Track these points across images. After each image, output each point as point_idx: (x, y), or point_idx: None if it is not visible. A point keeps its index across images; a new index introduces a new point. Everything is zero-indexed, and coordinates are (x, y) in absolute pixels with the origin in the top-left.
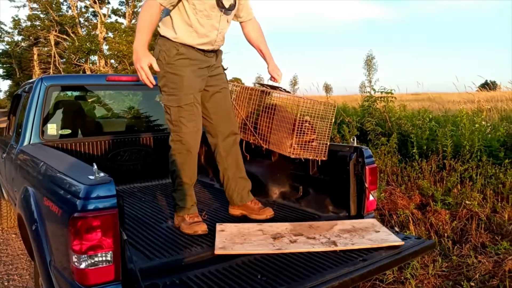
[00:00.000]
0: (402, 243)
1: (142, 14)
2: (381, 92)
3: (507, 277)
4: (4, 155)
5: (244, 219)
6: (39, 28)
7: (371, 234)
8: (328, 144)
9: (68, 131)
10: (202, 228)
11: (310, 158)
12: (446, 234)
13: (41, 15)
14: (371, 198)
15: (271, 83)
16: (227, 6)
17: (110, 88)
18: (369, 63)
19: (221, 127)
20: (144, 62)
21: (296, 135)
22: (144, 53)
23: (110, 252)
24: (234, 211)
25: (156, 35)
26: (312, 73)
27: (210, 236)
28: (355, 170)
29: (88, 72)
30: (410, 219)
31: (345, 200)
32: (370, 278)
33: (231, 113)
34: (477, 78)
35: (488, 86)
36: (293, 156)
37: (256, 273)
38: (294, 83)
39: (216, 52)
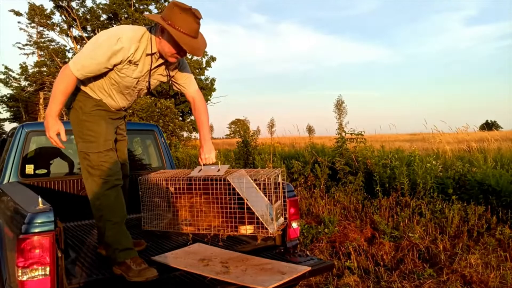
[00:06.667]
0: (309, 269)
1: (58, 83)
2: (351, 134)
3: None
4: None
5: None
6: (45, 74)
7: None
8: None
9: (44, 171)
10: (154, 273)
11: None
12: (383, 263)
13: (48, 62)
14: (294, 226)
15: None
16: (153, 90)
17: None
18: (339, 107)
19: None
20: (53, 132)
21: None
22: (53, 123)
23: (48, 267)
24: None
25: None
26: (303, 115)
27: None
28: None
29: None
30: (354, 250)
31: None
32: None
33: (126, 159)
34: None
35: (488, 125)
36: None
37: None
38: (271, 125)
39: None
